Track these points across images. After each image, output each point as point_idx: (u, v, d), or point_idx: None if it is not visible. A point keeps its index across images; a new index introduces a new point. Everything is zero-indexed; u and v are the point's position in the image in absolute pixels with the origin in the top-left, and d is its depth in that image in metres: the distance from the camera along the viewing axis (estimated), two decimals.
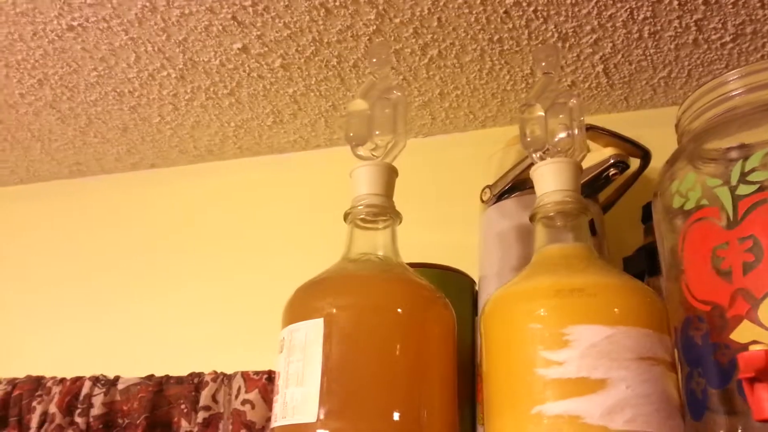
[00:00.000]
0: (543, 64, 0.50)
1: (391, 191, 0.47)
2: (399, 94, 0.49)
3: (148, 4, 0.64)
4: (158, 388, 0.67)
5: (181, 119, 0.80)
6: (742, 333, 0.34)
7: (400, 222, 0.48)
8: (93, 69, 0.73)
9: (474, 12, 0.63)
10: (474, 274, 0.60)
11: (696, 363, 0.38)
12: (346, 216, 0.47)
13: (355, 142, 0.47)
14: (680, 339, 0.40)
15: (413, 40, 0.67)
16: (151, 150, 0.87)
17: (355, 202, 0.46)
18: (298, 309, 0.42)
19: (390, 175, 0.47)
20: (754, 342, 0.33)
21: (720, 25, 0.64)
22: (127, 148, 0.87)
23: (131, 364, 0.73)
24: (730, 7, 0.61)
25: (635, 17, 0.63)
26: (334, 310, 0.40)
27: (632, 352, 0.37)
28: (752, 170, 0.36)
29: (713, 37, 0.65)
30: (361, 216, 0.46)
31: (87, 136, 0.85)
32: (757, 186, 0.35)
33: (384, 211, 0.46)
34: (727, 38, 0.65)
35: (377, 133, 0.47)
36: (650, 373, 0.37)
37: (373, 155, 0.48)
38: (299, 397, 0.39)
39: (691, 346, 0.38)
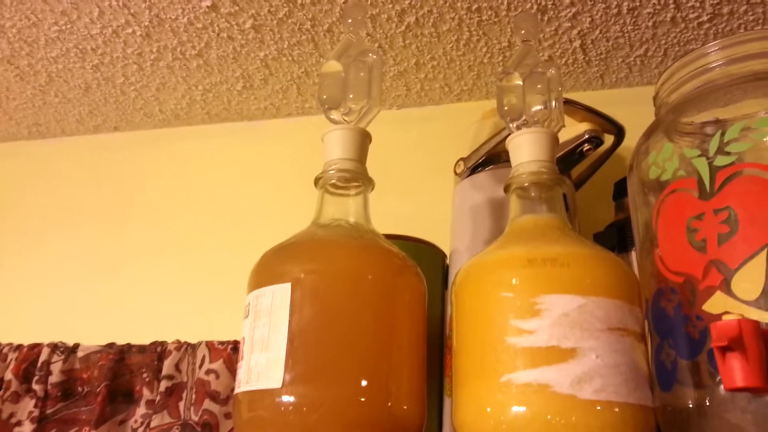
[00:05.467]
0: (522, 31, 0.49)
1: (364, 157, 0.46)
2: (375, 57, 0.47)
3: None
4: (119, 357, 0.66)
5: (146, 80, 0.77)
6: (714, 304, 0.34)
7: (373, 188, 0.46)
8: (54, 23, 0.70)
9: None
10: (445, 248, 0.59)
11: (667, 334, 0.38)
12: (316, 181, 0.45)
13: (328, 105, 0.46)
14: (651, 310, 0.40)
15: (390, 6, 0.65)
16: (114, 112, 0.84)
17: (326, 166, 0.45)
18: (265, 273, 0.41)
19: (363, 140, 0.46)
20: (726, 313, 0.33)
21: (698, 4, 0.63)
22: (89, 109, 0.84)
23: (91, 332, 0.71)
24: None
25: None
26: (303, 275, 0.39)
27: (603, 323, 0.37)
28: (731, 141, 0.36)
29: (691, 15, 0.65)
30: (333, 181, 0.45)
31: (47, 95, 0.81)
32: (735, 157, 0.35)
33: (356, 177, 0.45)
34: (705, 18, 0.65)
35: (351, 96, 0.46)
36: (620, 343, 0.37)
37: (345, 120, 0.46)
38: (264, 362, 0.38)
39: (663, 317, 0.38)
